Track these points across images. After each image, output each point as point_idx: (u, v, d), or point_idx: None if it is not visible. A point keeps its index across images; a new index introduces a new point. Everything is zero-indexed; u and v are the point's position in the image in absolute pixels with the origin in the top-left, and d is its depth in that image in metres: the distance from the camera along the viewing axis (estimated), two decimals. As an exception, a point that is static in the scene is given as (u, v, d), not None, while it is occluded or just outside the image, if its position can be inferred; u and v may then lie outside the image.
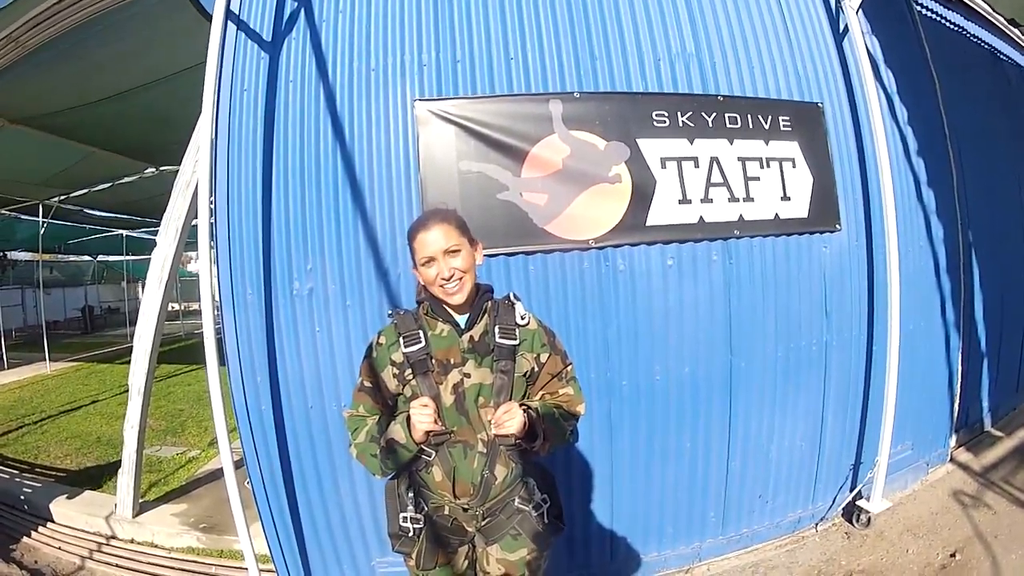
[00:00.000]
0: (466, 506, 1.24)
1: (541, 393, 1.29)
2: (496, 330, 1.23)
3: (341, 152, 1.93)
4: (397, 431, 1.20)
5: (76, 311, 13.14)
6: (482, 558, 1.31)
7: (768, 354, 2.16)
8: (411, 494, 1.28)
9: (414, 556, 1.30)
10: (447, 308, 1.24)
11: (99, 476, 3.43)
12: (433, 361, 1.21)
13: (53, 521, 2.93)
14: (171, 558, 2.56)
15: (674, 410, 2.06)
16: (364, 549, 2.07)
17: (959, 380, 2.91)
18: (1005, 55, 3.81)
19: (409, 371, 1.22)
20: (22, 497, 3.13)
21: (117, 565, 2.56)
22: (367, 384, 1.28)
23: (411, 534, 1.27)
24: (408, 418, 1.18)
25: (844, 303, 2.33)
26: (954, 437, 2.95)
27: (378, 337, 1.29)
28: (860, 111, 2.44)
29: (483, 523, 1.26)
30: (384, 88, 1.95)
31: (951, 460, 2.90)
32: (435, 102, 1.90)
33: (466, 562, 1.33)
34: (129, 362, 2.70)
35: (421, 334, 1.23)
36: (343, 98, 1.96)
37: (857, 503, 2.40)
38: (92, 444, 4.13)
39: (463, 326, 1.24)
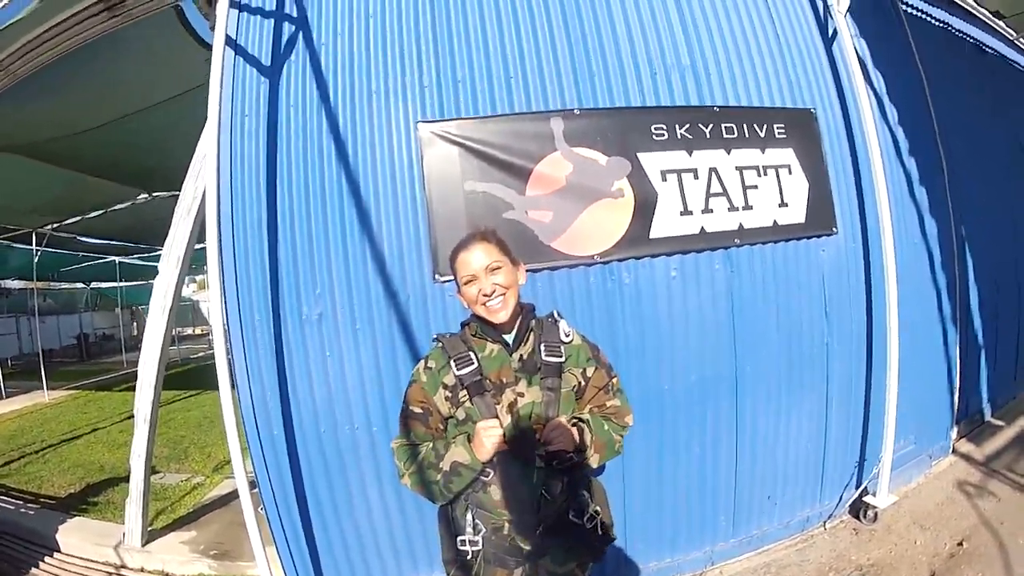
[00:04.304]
0: (526, 523, 1.23)
1: (589, 407, 1.30)
2: (542, 348, 1.24)
3: (346, 176, 1.94)
4: (460, 453, 1.19)
5: (71, 339, 13.10)
6: (533, 572, 1.30)
7: (772, 358, 2.20)
8: (469, 516, 1.25)
9: None
10: (494, 327, 1.24)
11: (105, 505, 3.40)
12: (487, 381, 1.21)
13: (60, 551, 2.90)
14: (184, 586, 2.55)
15: (683, 416, 2.08)
16: (382, 570, 2.07)
17: (958, 372, 2.96)
18: (991, 47, 3.87)
19: (463, 393, 1.21)
20: (27, 527, 3.09)
21: (128, 595, 2.55)
22: (417, 411, 1.26)
23: (469, 557, 1.25)
24: (469, 438, 1.18)
25: (843, 303, 2.37)
26: (955, 429, 2.99)
27: (426, 362, 1.28)
28: (851, 113, 2.49)
29: (538, 538, 1.25)
30: (386, 110, 1.96)
31: (953, 452, 2.95)
32: (438, 123, 1.92)
33: None
34: (126, 389, 2.70)
35: (472, 355, 1.22)
36: (345, 121, 1.97)
37: (864, 499, 2.44)
38: (95, 472, 4.09)
39: (511, 345, 1.24)
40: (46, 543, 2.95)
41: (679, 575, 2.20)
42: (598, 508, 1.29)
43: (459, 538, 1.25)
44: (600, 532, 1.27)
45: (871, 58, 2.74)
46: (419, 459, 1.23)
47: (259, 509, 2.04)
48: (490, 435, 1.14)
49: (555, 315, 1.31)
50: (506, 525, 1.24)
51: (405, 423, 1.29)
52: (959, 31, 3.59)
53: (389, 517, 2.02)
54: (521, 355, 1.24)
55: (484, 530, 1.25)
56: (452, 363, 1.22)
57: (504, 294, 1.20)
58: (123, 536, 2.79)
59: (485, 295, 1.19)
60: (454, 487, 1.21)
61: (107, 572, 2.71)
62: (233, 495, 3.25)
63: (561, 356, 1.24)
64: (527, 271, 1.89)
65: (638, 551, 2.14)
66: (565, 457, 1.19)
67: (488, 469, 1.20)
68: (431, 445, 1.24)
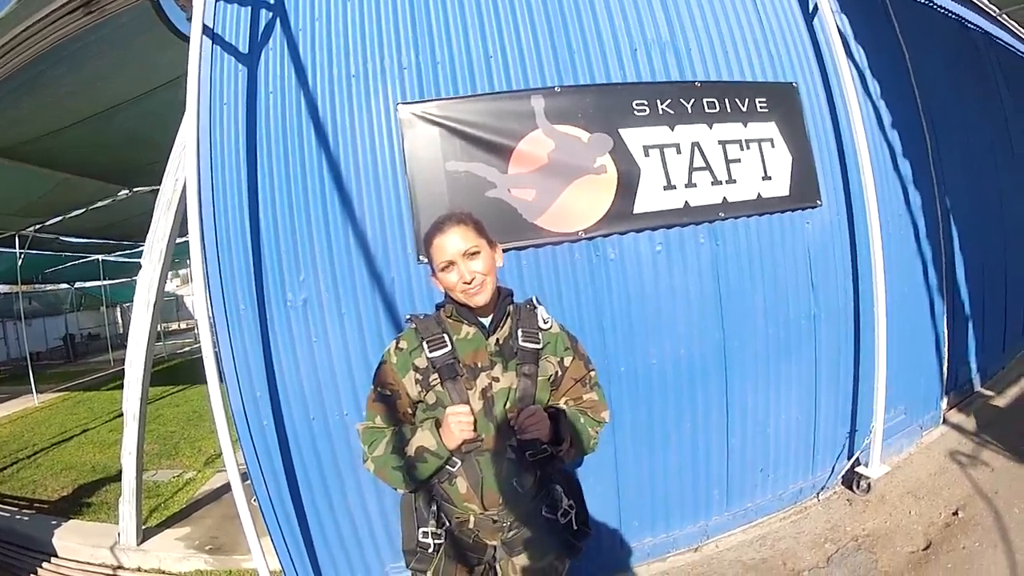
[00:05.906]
0: (495, 517, 1.19)
1: (565, 399, 1.25)
2: (519, 333, 1.20)
3: (327, 160, 1.92)
4: (427, 438, 1.13)
5: (58, 340, 13.03)
6: (506, 568, 1.25)
7: (759, 331, 2.21)
8: (433, 507, 1.21)
9: (431, 572, 1.23)
10: (471, 310, 1.20)
11: (99, 506, 3.38)
12: (461, 365, 1.17)
13: (57, 555, 2.88)
14: (181, 582, 2.54)
15: (672, 392, 2.09)
16: (376, 556, 2.07)
17: (946, 343, 2.99)
18: (972, 23, 3.88)
19: (435, 376, 1.17)
20: (23, 533, 3.07)
21: (126, 595, 2.53)
22: (384, 393, 1.22)
23: (430, 550, 1.20)
24: (437, 424, 1.14)
25: (829, 275, 2.39)
26: (945, 399, 3.02)
27: (397, 342, 1.23)
28: (834, 88, 2.50)
29: (508, 535, 1.21)
30: (366, 93, 1.95)
31: (944, 422, 2.97)
32: (418, 104, 1.91)
33: None
34: (115, 388, 2.69)
35: (446, 338, 1.18)
36: (325, 105, 1.96)
37: (856, 470, 2.46)
38: (88, 473, 4.08)
39: (488, 328, 1.20)
40: (42, 548, 2.93)
41: (674, 550, 2.21)
42: (572, 503, 1.24)
43: (421, 530, 1.20)
44: (575, 527, 1.23)
45: (853, 33, 2.75)
46: (383, 443, 1.19)
47: (252, 501, 2.03)
48: (459, 421, 1.10)
49: (534, 301, 1.26)
50: (472, 519, 1.20)
51: (372, 405, 1.23)
52: (941, 7, 3.60)
53: (383, 504, 2.01)
54: (498, 339, 1.20)
55: (448, 523, 1.21)
56: (424, 345, 1.18)
57: (483, 281, 1.15)
58: (118, 536, 2.77)
59: (466, 283, 1.14)
60: (418, 474, 1.16)
61: (104, 574, 2.69)
62: (225, 488, 3.23)
63: (539, 343, 1.20)
64: (512, 249, 1.94)
65: (632, 528, 2.15)
66: (539, 447, 1.15)
67: (456, 459, 1.16)
68: (397, 429, 1.20)
